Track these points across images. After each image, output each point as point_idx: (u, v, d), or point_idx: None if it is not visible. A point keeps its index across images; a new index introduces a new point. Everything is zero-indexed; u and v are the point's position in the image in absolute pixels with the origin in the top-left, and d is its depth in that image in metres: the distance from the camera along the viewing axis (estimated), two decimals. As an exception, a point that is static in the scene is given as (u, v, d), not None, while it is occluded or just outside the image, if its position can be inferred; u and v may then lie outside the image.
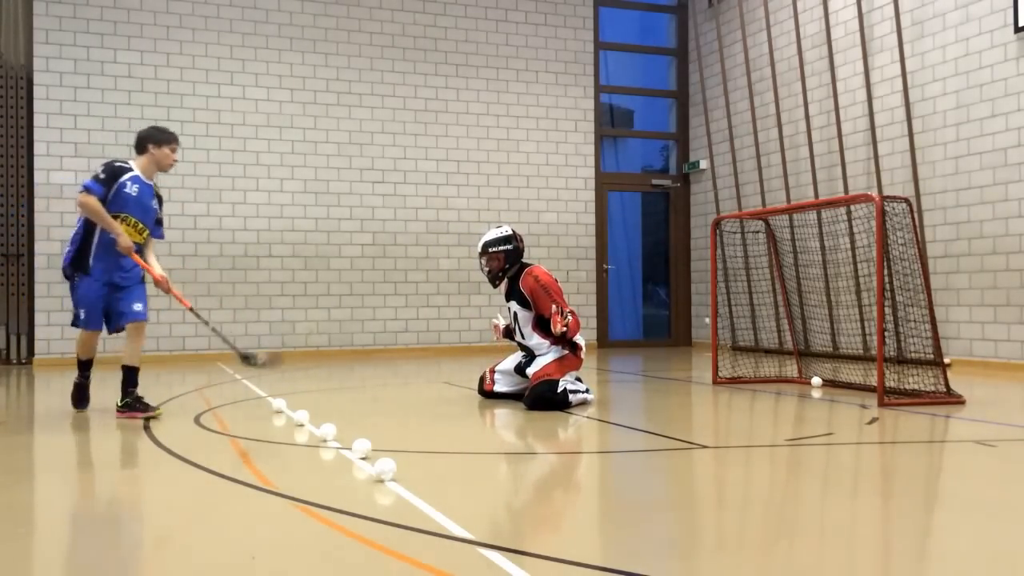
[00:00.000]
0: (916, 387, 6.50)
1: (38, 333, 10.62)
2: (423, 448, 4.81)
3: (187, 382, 8.13)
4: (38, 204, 10.65)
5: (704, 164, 13.08)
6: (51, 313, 10.63)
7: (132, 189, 5.85)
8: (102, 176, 5.79)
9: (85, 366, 6.17)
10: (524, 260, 6.64)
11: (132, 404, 5.81)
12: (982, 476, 4.08)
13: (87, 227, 5.82)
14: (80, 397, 6.17)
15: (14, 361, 10.69)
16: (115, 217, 5.78)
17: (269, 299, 11.48)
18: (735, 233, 11.38)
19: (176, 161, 6.17)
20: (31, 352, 10.70)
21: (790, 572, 2.66)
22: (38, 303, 10.62)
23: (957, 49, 9.04)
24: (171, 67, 11.18)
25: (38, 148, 10.68)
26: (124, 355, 5.94)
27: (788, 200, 10.93)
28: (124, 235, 5.74)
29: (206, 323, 6.27)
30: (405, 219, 12.09)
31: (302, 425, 5.35)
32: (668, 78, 14.04)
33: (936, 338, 6.60)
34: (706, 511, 3.54)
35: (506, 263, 6.55)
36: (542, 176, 12.78)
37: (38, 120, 10.69)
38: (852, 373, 7.45)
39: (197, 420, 5.69)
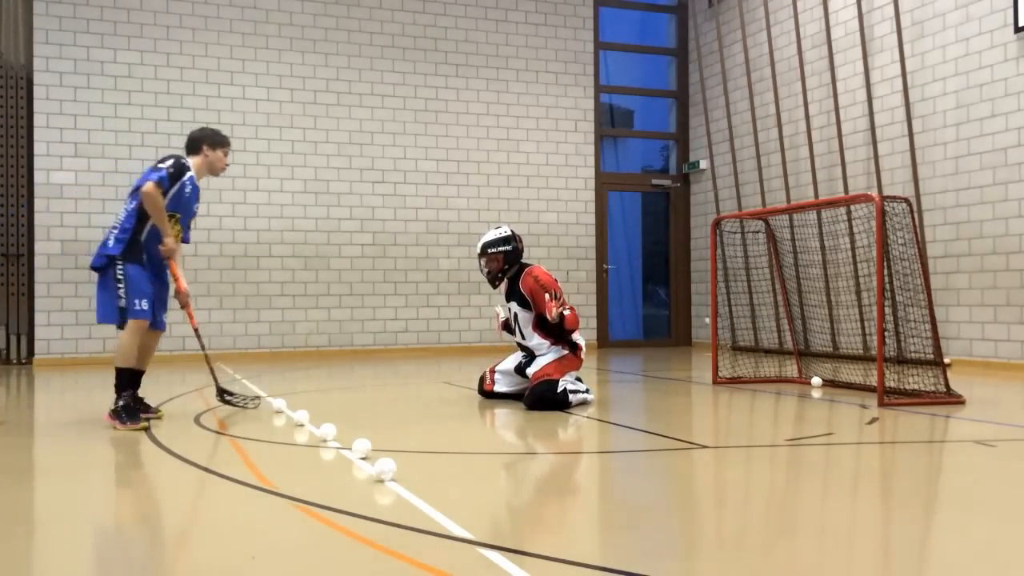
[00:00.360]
0: (916, 387, 6.50)
1: (38, 333, 10.62)
2: (423, 448, 4.81)
3: (187, 382, 8.13)
4: (38, 204, 10.65)
5: (704, 164, 13.08)
6: (51, 313, 10.63)
7: (187, 190, 5.61)
8: (171, 171, 5.47)
9: (134, 380, 5.56)
10: (524, 260, 6.64)
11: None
12: (982, 476, 4.08)
13: (140, 216, 5.45)
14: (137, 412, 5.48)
15: (14, 361, 10.69)
16: (171, 217, 5.54)
17: (269, 299, 11.48)
18: (735, 233, 11.38)
19: (228, 165, 5.96)
20: (31, 352, 10.70)
21: (790, 572, 2.66)
22: (38, 303, 10.62)
23: (957, 49, 9.04)
24: (171, 67, 11.18)
25: (38, 148, 10.68)
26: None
27: (788, 200, 10.93)
28: (172, 237, 5.49)
29: (203, 347, 6.12)
30: (405, 219, 12.09)
31: (302, 425, 5.35)
32: (668, 78, 14.04)
33: (936, 338, 6.60)
34: (706, 511, 3.54)
35: (505, 264, 6.54)
36: (542, 176, 12.77)
37: (38, 120, 10.69)
38: (852, 373, 7.45)
39: (197, 420, 5.69)
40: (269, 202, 11.50)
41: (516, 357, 6.69)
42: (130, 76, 11.01)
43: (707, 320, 12.47)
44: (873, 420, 5.56)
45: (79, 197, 10.76)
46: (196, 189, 5.78)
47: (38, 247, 10.64)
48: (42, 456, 4.90)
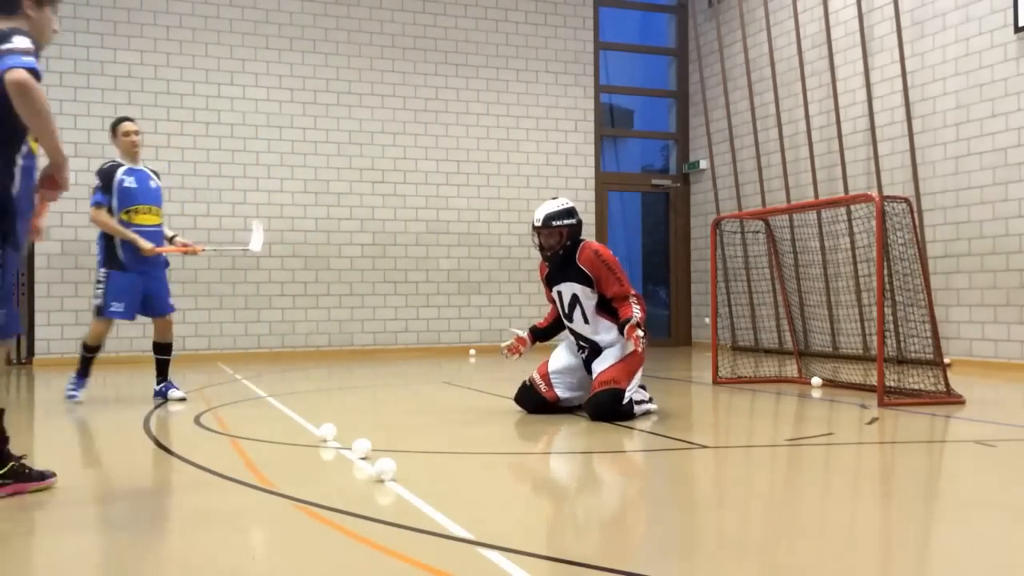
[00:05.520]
0: (916, 387, 6.50)
1: (38, 333, 10.62)
2: (423, 448, 4.81)
3: (187, 382, 8.12)
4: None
5: (704, 164, 13.08)
6: (51, 313, 10.63)
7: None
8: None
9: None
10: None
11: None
12: (982, 476, 4.08)
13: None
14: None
15: (14, 361, 10.68)
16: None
17: (269, 299, 11.47)
18: (735, 233, 11.38)
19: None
20: (31, 352, 10.70)
21: (790, 572, 2.66)
22: (38, 303, 10.62)
23: (957, 49, 9.03)
24: (171, 67, 11.17)
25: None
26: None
27: (788, 200, 10.93)
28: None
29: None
30: (405, 219, 12.09)
31: (302, 426, 5.35)
32: (668, 78, 14.04)
33: (936, 338, 6.60)
34: (706, 511, 3.54)
35: (567, 239, 5.70)
36: (542, 176, 12.77)
37: (38, 120, 10.67)
38: (852, 373, 7.44)
39: (197, 420, 5.69)
40: (269, 202, 11.49)
41: (565, 351, 5.88)
42: (130, 76, 11.00)
43: (707, 320, 12.47)
44: (873, 420, 5.56)
45: (79, 197, 10.73)
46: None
47: (38, 247, 10.63)
48: (41, 456, 4.89)
